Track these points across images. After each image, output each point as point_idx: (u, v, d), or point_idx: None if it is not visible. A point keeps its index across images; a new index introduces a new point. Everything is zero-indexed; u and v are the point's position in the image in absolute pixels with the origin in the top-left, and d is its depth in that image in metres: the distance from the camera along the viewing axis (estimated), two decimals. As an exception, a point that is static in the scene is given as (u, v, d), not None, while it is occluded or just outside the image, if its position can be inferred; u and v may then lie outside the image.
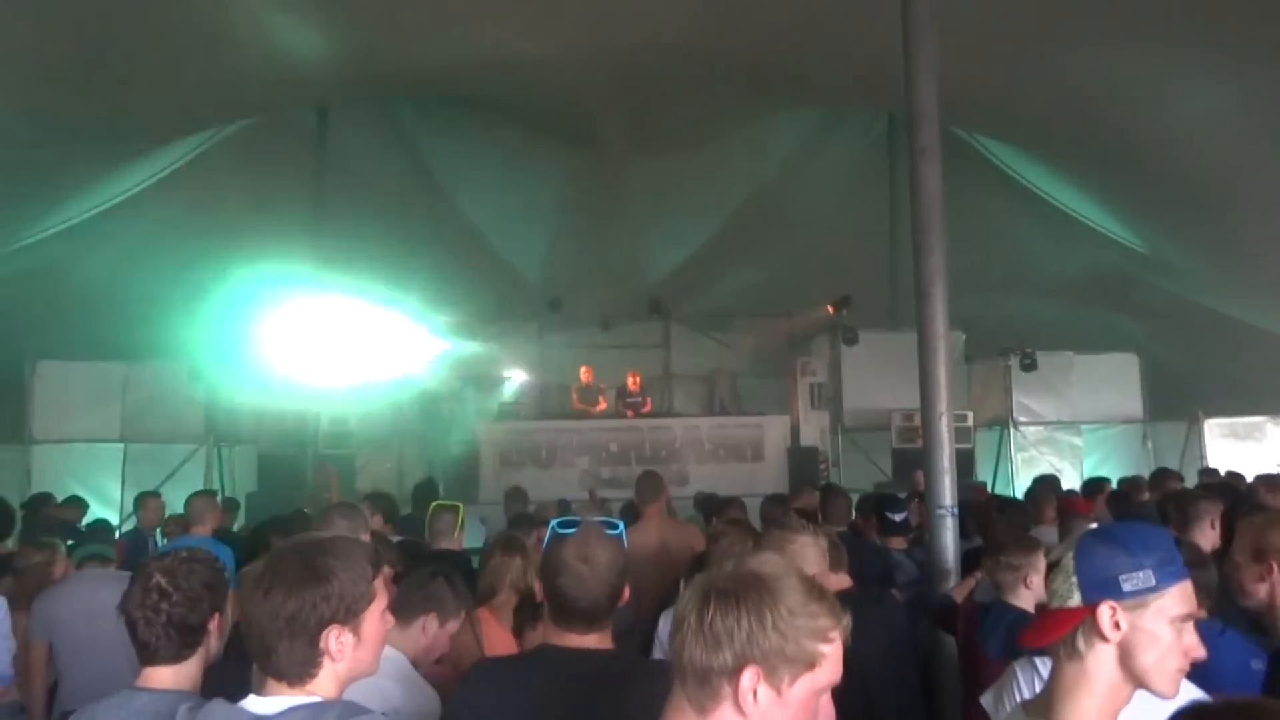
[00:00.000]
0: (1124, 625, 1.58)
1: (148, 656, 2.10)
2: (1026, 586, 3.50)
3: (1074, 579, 1.63)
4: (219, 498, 7.23)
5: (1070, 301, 13.93)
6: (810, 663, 1.32)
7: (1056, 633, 1.62)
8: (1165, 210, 11.51)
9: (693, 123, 12.61)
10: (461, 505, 4.43)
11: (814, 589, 1.38)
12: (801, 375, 13.00)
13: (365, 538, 3.53)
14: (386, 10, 8.98)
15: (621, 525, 2.41)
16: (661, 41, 10.04)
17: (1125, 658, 1.58)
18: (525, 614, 3.27)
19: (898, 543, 5.18)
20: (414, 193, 13.83)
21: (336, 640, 1.69)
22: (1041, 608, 1.77)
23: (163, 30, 8.27)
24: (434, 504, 4.61)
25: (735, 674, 1.31)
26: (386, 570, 2.06)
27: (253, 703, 1.68)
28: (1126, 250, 12.71)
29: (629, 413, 12.40)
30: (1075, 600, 1.62)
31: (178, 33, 8.38)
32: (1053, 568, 1.69)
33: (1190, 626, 1.59)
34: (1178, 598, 1.58)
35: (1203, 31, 8.34)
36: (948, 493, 4.82)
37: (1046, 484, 7.51)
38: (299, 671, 1.69)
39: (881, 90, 11.07)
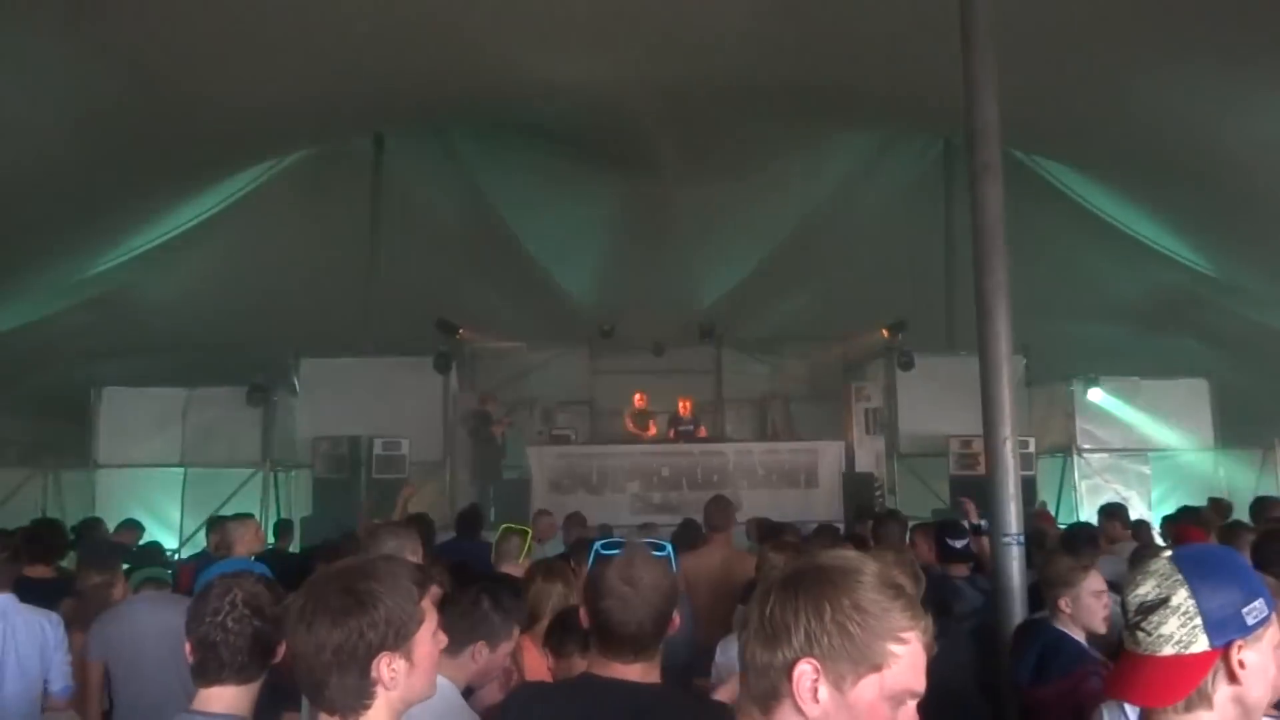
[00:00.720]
0: (1247, 663, 1.45)
1: (208, 676, 2.05)
2: (1063, 610, 3.33)
3: (1198, 620, 1.45)
4: (273, 520, 7.27)
5: (1135, 325, 13.58)
6: (877, 663, 1.20)
7: (1190, 685, 1.44)
8: (1234, 231, 11.18)
9: (745, 147, 12.58)
10: (530, 530, 4.37)
11: (888, 584, 1.25)
12: (856, 400, 12.81)
13: (414, 558, 3.50)
14: (440, 36, 9.11)
15: (670, 547, 2.30)
16: (714, 66, 10.05)
17: (1240, 696, 1.46)
18: (557, 635, 3.17)
19: (959, 569, 5.02)
20: (467, 218, 14.00)
21: (389, 668, 1.61)
22: (1127, 653, 1.56)
23: (221, 59, 8.49)
24: (503, 526, 4.56)
25: (791, 669, 1.21)
26: (435, 590, 1.98)
27: None
28: (1193, 272, 12.35)
29: (676, 437, 12.33)
30: (1202, 645, 1.45)
31: (236, 62, 8.59)
32: (1153, 609, 1.49)
33: None
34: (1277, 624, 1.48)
35: (1271, 45, 8.10)
36: (1013, 520, 4.65)
37: (1108, 512, 7.27)
38: (352, 704, 1.61)
39: (936, 114, 10.97)
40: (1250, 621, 1.44)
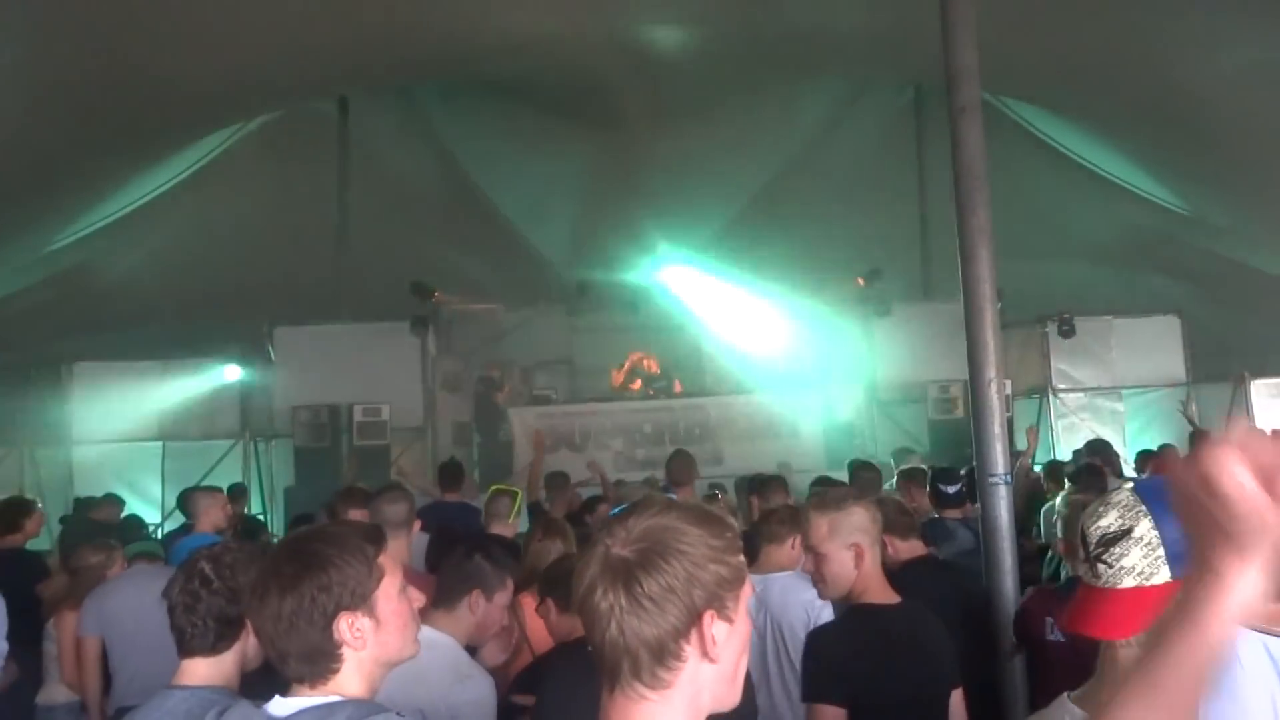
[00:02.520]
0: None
1: (184, 647, 2.07)
2: None
3: (1160, 551, 1.42)
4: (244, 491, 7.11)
5: (1107, 265, 13.69)
6: (740, 577, 1.24)
7: (1150, 617, 1.35)
8: (1205, 167, 11.26)
9: (715, 98, 12.47)
10: (520, 491, 4.34)
11: (701, 512, 1.27)
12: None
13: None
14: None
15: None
16: (682, 15, 9.92)
17: None
18: (561, 588, 3.16)
19: (953, 514, 5.08)
20: (437, 179, 13.82)
21: (352, 628, 1.59)
22: (1084, 587, 1.53)
23: (179, 26, 8.26)
24: (493, 487, 4.54)
25: (691, 626, 1.19)
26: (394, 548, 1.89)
27: (275, 704, 1.60)
28: (1164, 210, 12.45)
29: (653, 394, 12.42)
30: (1163, 576, 1.41)
31: (194, 27, 8.37)
32: (1115, 541, 1.45)
33: None
34: None
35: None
36: (1000, 460, 4.70)
37: (1093, 449, 7.40)
38: (319, 670, 1.60)
39: (908, 59, 10.91)
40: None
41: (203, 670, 2.04)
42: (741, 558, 1.27)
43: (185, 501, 4.98)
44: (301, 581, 1.58)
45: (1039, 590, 3.95)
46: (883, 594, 2.70)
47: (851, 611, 2.73)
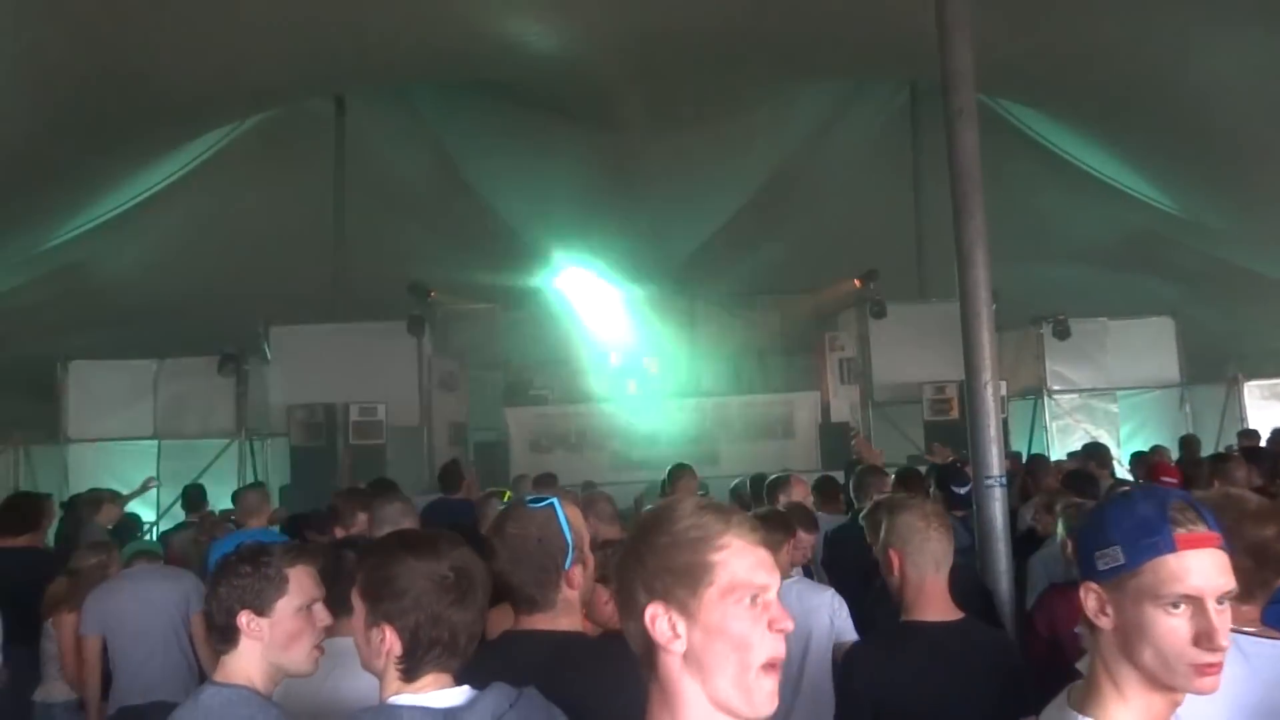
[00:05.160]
0: (1110, 612, 1.40)
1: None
2: (1067, 558, 3.36)
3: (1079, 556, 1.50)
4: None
5: (1101, 266, 13.73)
6: (707, 578, 1.26)
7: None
8: (1197, 169, 11.30)
9: (712, 100, 12.47)
10: (509, 492, 4.37)
11: (700, 507, 1.33)
12: (830, 350, 12.89)
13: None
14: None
15: (554, 501, 2.19)
16: (678, 17, 9.92)
17: (1126, 651, 1.39)
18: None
19: (962, 514, 5.09)
20: (432, 178, 13.82)
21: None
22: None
23: (175, 24, 8.25)
24: (486, 491, 4.56)
25: (643, 621, 1.28)
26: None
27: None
28: (1157, 211, 12.49)
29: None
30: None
31: (190, 25, 8.35)
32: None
33: (1203, 608, 1.34)
34: (1158, 576, 1.36)
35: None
36: (995, 462, 4.73)
37: (1088, 452, 7.42)
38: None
39: (903, 60, 10.93)
40: (1101, 566, 1.42)
41: (226, 667, 2.14)
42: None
43: (239, 498, 5.01)
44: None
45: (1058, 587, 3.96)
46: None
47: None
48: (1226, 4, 8.46)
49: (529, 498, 2.22)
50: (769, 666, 1.26)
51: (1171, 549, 1.36)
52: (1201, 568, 1.36)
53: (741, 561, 1.27)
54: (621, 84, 11.48)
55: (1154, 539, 1.37)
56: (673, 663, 1.27)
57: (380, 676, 1.70)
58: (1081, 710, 1.41)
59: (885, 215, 13.24)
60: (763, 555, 1.30)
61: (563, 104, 12.37)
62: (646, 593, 1.28)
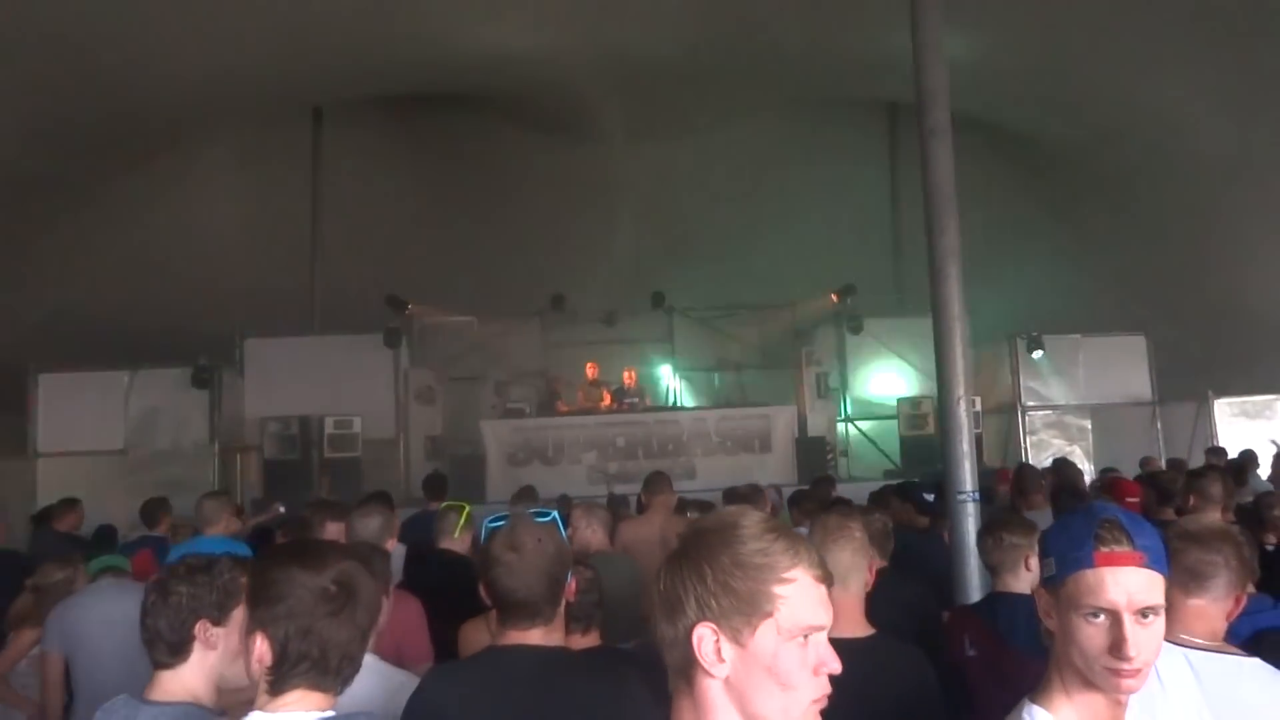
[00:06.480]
0: (1055, 615, 1.49)
1: (151, 661, 2.11)
2: (1027, 569, 3.27)
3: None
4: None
5: (1076, 284, 13.86)
6: (767, 610, 1.21)
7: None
8: (1169, 191, 11.45)
9: (690, 115, 12.55)
10: (467, 506, 4.34)
11: (766, 531, 1.26)
12: (807, 365, 12.92)
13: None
14: (379, 6, 8.91)
15: (555, 514, 2.28)
16: (658, 35, 9.98)
17: (1064, 650, 1.48)
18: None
19: (922, 522, 5.11)
20: (410, 191, 13.78)
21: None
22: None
23: (154, 35, 8.21)
24: (443, 504, 4.53)
25: (691, 637, 1.22)
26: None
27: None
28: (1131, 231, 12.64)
29: (624, 408, 12.34)
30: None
31: (169, 37, 8.32)
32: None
33: (1118, 620, 1.41)
34: (1079, 588, 1.44)
35: (1198, 14, 8.31)
36: (968, 478, 4.76)
37: (1056, 468, 7.46)
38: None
39: (881, 79, 11.04)
40: (1043, 574, 1.54)
41: (166, 683, 2.07)
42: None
43: (197, 507, 4.84)
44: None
45: (958, 609, 3.92)
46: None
47: None
48: (1190, 28, 8.63)
49: (531, 510, 2.25)
50: (816, 703, 1.23)
51: (1090, 565, 1.45)
52: (1117, 583, 1.43)
53: (804, 599, 1.23)
54: (602, 98, 11.52)
55: (1077, 554, 1.47)
56: (711, 685, 1.23)
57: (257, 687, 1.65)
58: (1034, 700, 1.50)
59: (862, 231, 13.34)
60: (823, 593, 1.25)
61: (543, 116, 12.40)
62: (699, 608, 1.22)
